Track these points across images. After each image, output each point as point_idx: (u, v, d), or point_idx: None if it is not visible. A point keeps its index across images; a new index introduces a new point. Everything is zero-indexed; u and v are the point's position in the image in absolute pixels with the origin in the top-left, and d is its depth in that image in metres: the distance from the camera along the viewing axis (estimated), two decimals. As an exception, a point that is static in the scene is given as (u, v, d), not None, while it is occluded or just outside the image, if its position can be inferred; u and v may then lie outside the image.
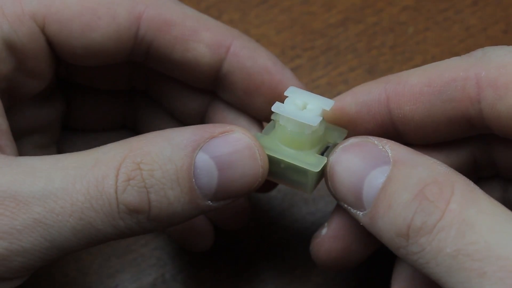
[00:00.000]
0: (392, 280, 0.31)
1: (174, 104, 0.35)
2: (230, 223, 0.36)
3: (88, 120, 0.37)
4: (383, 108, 0.30)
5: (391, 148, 0.27)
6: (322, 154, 0.30)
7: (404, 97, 0.29)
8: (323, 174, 0.29)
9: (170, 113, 0.36)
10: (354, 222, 0.29)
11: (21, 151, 0.33)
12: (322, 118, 0.29)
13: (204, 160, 0.27)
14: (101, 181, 0.26)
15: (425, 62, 0.30)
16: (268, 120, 0.32)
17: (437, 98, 0.28)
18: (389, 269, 0.31)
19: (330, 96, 0.31)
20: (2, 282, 0.26)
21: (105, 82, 0.35)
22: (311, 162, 0.29)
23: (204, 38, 0.32)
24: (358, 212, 0.27)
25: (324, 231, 0.31)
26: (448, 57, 0.29)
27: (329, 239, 0.31)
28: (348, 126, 0.31)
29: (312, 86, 0.44)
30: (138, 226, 0.26)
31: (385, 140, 0.28)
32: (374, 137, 0.28)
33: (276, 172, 0.29)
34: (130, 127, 0.38)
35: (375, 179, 0.27)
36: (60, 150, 0.36)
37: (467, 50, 0.29)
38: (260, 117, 0.34)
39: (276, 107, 0.30)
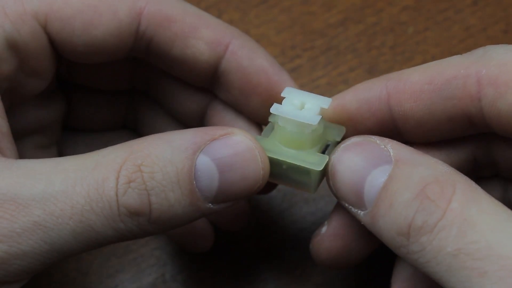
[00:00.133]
0: (392, 280, 0.31)
1: (174, 104, 0.35)
2: (230, 225, 0.36)
3: (89, 121, 0.37)
4: (384, 105, 0.30)
5: (393, 147, 0.27)
6: (323, 152, 0.30)
7: (405, 95, 0.29)
8: (325, 172, 0.29)
9: (170, 114, 0.36)
10: (354, 220, 0.29)
11: (22, 152, 0.33)
12: (321, 116, 0.29)
13: (205, 162, 0.27)
14: (101, 183, 0.26)
15: (425, 62, 0.30)
16: (264, 121, 0.32)
17: (437, 96, 0.28)
18: (389, 269, 0.31)
19: (330, 96, 0.31)
20: (1, 285, 0.26)
21: (105, 82, 0.35)
22: (313, 161, 0.29)
23: (204, 35, 0.32)
24: (359, 211, 0.27)
25: (324, 229, 0.31)
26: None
27: (329, 237, 0.31)
28: (348, 124, 0.31)
29: (312, 86, 0.44)
30: (139, 228, 0.26)
31: (387, 140, 0.28)
32: (376, 136, 0.28)
33: (278, 173, 0.29)
34: (131, 128, 0.38)
35: (377, 178, 0.27)
36: (60, 151, 0.36)
37: (467, 50, 0.29)
38: (256, 118, 0.33)
39: (274, 108, 0.30)
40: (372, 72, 0.44)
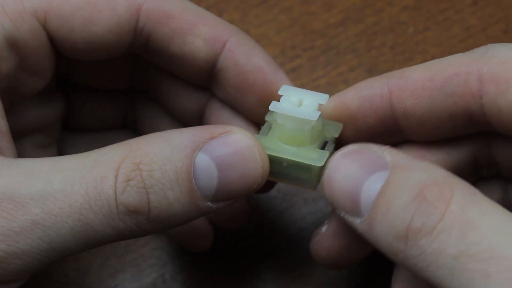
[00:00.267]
0: (393, 280, 0.31)
1: (173, 103, 0.35)
2: (229, 224, 0.36)
3: (89, 120, 0.37)
4: (385, 102, 0.30)
5: (389, 153, 0.27)
6: (322, 149, 0.30)
7: (406, 92, 0.29)
8: (323, 172, 0.29)
9: (170, 113, 0.36)
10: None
11: (21, 151, 0.33)
12: (320, 112, 0.29)
13: (204, 160, 0.27)
14: (100, 182, 0.26)
15: (425, 62, 0.30)
16: (261, 120, 0.32)
17: (439, 93, 0.28)
18: (389, 269, 0.31)
19: (330, 96, 0.31)
20: (0, 285, 0.26)
21: (105, 81, 0.35)
22: (314, 157, 0.29)
23: (202, 32, 0.32)
24: (356, 219, 0.27)
25: (324, 229, 0.31)
26: (448, 58, 0.29)
27: (329, 236, 0.31)
28: (349, 122, 0.31)
29: (312, 86, 0.44)
30: (138, 227, 0.26)
31: (384, 147, 0.27)
32: (372, 143, 0.28)
33: (279, 171, 0.29)
34: (131, 127, 0.38)
35: (373, 184, 0.26)
36: (60, 150, 0.36)
37: (467, 50, 0.29)
38: (253, 117, 0.33)
39: (273, 106, 0.30)
40: (372, 72, 0.44)
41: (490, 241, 0.23)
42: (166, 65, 0.33)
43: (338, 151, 0.28)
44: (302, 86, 0.43)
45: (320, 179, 0.30)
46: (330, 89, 0.43)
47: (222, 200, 0.27)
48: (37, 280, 0.37)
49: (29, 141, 0.34)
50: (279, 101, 0.30)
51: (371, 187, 0.26)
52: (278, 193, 0.40)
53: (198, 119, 0.35)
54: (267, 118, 0.31)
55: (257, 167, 0.28)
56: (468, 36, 0.45)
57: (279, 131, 0.30)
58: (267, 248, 0.38)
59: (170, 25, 0.31)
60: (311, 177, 0.29)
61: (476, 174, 0.32)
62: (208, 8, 0.45)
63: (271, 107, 0.30)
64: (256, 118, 0.33)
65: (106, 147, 0.27)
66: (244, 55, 0.32)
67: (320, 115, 0.29)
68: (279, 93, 0.30)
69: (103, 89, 0.36)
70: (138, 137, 0.27)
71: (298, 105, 0.30)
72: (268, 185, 0.33)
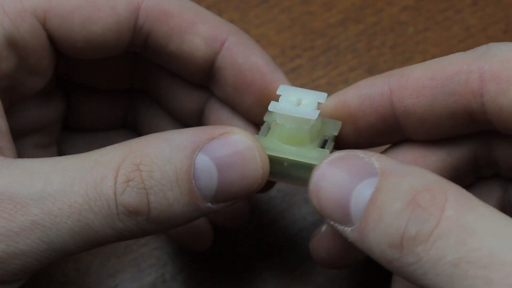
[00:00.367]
0: (393, 280, 0.31)
1: (173, 103, 0.35)
2: (229, 223, 0.36)
3: (88, 120, 0.37)
4: (386, 101, 0.30)
5: (377, 160, 0.26)
6: (322, 147, 0.30)
7: (407, 90, 0.29)
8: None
9: (169, 113, 0.36)
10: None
11: (21, 151, 0.33)
12: (319, 111, 0.29)
13: (204, 161, 0.27)
14: (99, 182, 0.26)
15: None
16: (259, 120, 0.32)
17: (439, 91, 0.28)
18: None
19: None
20: (0, 285, 0.26)
21: (105, 81, 0.35)
22: (314, 156, 0.29)
23: (200, 31, 0.32)
24: (346, 228, 0.26)
25: (324, 228, 0.31)
26: (448, 58, 0.29)
27: (328, 236, 0.31)
28: (350, 120, 0.31)
29: (312, 86, 0.44)
30: (138, 228, 0.26)
31: (371, 153, 0.27)
32: (359, 150, 0.27)
33: (280, 171, 0.29)
34: (131, 127, 0.38)
35: (363, 191, 0.25)
36: (60, 150, 0.36)
37: (467, 50, 0.29)
38: (251, 116, 0.33)
39: (272, 106, 0.30)
40: (372, 72, 0.44)
41: (489, 246, 0.22)
42: (165, 64, 0.33)
43: (323, 159, 0.27)
44: (302, 86, 0.43)
45: None
46: (330, 89, 0.43)
47: (222, 201, 0.27)
48: (37, 280, 0.37)
49: (29, 141, 0.34)
50: (277, 101, 0.30)
51: (360, 194, 0.25)
52: (278, 193, 0.40)
53: (197, 119, 0.35)
54: (265, 118, 0.31)
55: (257, 168, 0.27)
56: (468, 36, 0.45)
57: (279, 131, 0.30)
58: (267, 248, 0.38)
59: (169, 23, 0.31)
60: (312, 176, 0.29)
61: (476, 173, 0.32)
62: (208, 8, 0.45)
63: (270, 107, 0.30)
64: (254, 118, 0.33)
65: (106, 147, 0.27)
66: (242, 54, 0.32)
67: (319, 114, 0.29)
68: (278, 92, 0.30)
69: (103, 89, 0.36)
70: (138, 138, 0.27)
71: (297, 105, 0.30)
72: (268, 184, 0.33)
